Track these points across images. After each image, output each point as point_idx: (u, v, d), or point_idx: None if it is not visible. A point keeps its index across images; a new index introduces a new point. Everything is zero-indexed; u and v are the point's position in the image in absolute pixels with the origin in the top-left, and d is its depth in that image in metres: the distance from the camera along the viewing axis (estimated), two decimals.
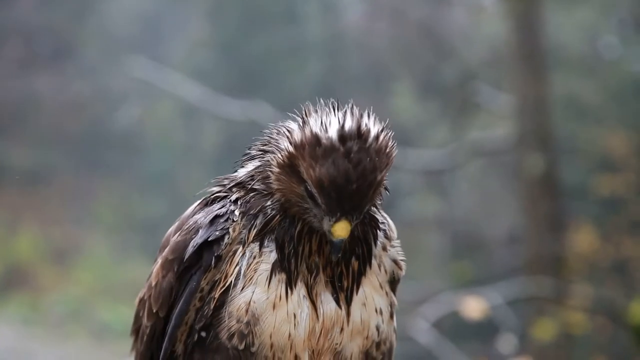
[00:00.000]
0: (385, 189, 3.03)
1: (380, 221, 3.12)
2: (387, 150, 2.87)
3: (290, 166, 2.91)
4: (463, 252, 17.32)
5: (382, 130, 2.88)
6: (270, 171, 2.99)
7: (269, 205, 3.00)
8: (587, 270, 14.33)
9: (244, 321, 2.97)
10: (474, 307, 10.14)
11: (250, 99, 13.76)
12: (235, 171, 3.17)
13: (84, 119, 21.28)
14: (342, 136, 2.82)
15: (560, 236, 12.56)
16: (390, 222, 3.20)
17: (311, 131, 2.85)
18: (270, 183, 3.00)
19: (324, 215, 2.88)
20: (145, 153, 21.36)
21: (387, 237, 3.16)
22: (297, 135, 2.89)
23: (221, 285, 3.00)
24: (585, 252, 13.83)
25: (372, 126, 2.86)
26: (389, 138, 2.89)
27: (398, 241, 3.20)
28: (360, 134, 2.82)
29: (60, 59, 21.50)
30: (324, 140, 2.82)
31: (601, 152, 15.84)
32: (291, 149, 2.90)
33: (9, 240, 20.90)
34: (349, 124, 2.83)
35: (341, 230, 2.86)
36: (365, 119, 2.87)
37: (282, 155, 2.93)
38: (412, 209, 17.47)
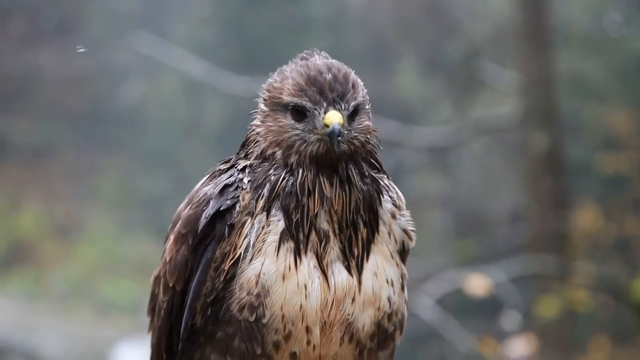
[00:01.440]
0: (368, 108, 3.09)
1: (383, 184, 3.11)
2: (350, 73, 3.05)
3: (271, 104, 3.04)
4: (467, 230, 17.33)
5: None
6: (257, 130, 3.07)
7: (272, 172, 3.01)
8: (590, 248, 14.34)
9: (254, 293, 2.97)
10: (477, 284, 10.15)
11: (253, 75, 13.69)
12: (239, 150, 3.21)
13: (88, 95, 21.27)
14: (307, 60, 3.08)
15: (564, 214, 12.54)
16: (399, 191, 3.19)
17: (282, 69, 3.07)
18: (264, 148, 3.04)
19: (314, 118, 2.95)
20: (149, 129, 21.36)
21: (396, 205, 3.14)
22: (272, 79, 3.07)
23: (230, 257, 3.01)
24: (589, 230, 13.84)
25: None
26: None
27: (408, 212, 3.18)
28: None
29: (64, 34, 21.47)
30: (293, 65, 3.05)
31: (605, 130, 15.83)
32: (270, 86, 3.06)
33: (11, 215, 20.95)
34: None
35: (333, 117, 2.94)
36: None
37: (264, 99, 3.07)
38: (415, 186, 17.47)
